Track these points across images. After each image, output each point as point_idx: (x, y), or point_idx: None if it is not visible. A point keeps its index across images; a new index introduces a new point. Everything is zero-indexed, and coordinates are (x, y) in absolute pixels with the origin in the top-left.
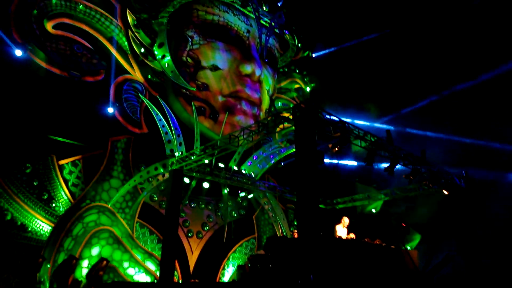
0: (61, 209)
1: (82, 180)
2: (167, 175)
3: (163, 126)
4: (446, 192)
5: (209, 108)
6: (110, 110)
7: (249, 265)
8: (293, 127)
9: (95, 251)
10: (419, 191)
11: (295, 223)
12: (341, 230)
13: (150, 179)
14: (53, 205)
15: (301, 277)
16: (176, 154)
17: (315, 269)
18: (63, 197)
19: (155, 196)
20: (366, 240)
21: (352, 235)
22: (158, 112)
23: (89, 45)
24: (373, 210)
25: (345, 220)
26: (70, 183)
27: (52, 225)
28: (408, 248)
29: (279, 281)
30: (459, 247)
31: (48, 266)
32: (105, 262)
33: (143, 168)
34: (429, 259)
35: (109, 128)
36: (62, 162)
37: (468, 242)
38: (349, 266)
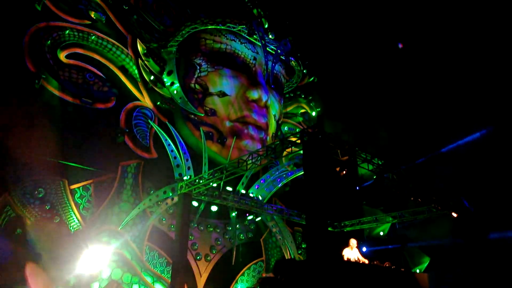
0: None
1: (93, 204)
2: (176, 198)
3: (172, 151)
4: (455, 215)
5: (216, 132)
6: (121, 136)
7: (258, 287)
8: (301, 151)
9: (105, 273)
10: (427, 214)
11: (303, 245)
12: (349, 253)
13: (159, 202)
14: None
15: None
16: (185, 178)
17: None
18: (74, 221)
19: (164, 219)
20: (375, 262)
21: (364, 259)
22: (167, 137)
23: (100, 73)
24: (381, 233)
25: (353, 242)
26: (81, 207)
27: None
28: (417, 271)
29: None
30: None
31: None
32: (116, 285)
33: (152, 191)
34: (439, 282)
35: (120, 153)
36: (74, 186)
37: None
38: None
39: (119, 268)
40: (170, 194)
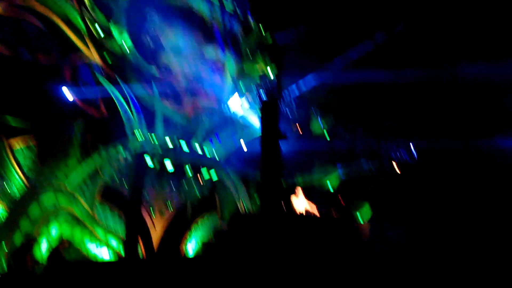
0: (15, 191)
1: (38, 163)
2: (129, 157)
3: (123, 108)
4: (397, 170)
5: (171, 90)
6: (66, 92)
7: (213, 240)
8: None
9: (53, 230)
10: (374, 168)
11: (257, 200)
12: (298, 202)
13: (110, 160)
14: (6, 187)
15: (264, 250)
16: (138, 135)
17: (277, 242)
18: (16, 179)
19: (116, 176)
20: (323, 212)
21: (312, 209)
22: (118, 93)
23: (42, 26)
24: (330, 186)
25: (299, 191)
26: (24, 167)
27: (6, 207)
28: (361, 221)
29: (243, 255)
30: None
31: (5, 247)
32: (65, 240)
33: (102, 149)
34: (380, 231)
35: (66, 109)
36: (14, 142)
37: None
38: (307, 238)
39: (68, 224)
40: (122, 152)
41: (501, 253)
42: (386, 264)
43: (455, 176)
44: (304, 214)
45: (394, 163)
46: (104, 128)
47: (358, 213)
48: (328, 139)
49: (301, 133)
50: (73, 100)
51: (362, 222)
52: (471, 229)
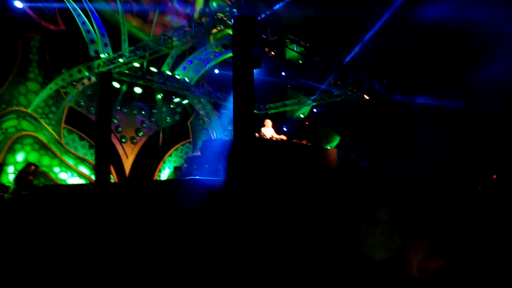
0: None
1: None
2: (93, 78)
3: (84, 23)
4: (366, 97)
5: (137, 4)
6: (18, 3)
7: (185, 165)
8: (230, 31)
9: (20, 157)
10: (344, 97)
11: (229, 127)
12: (267, 131)
13: (74, 82)
14: None
15: (235, 173)
16: (102, 56)
17: (248, 166)
18: None
19: (82, 101)
20: (294, 140)
21: (283, 137)
22: (75, 6)
23: None
24: (301, 115)
25: (268, 122)
26: None
27: None
28: (328, 147)
29: (213, 179)
30: (373, 148)
31: None
32: (33, 167)
33: (64, 70)
34: (345, 156)
35: (19, 23)
36: None
37: (381, 145)
38: (280, 163)
39: (35, 151)
40: (86, 74)
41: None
42: (352, 185)
43: (422, 109)
44: (278, 140)
45: (364, 93)
46: (65, 46)
47: (327, 140)
48: (302, 65)
49: (273, 56)
50: (26, 12)
51: (329, 148)
52: (438, 155)
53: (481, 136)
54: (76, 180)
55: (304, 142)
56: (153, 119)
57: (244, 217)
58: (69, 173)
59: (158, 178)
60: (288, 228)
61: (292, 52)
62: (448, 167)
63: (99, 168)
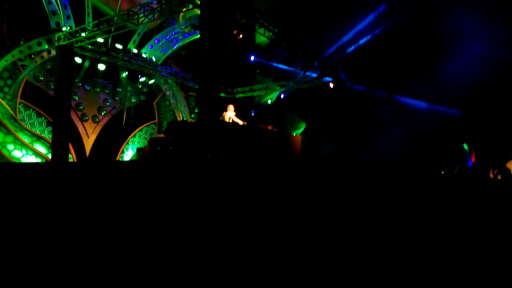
0: None
1: None
2: (53, 52)
3: None
4: (331, 85)
5: None
6: None
7: (148, 147)
8: (199, 11)
9: None
10: (311, 84)
11: (196, 110)
12: (228, 116)
13: (32, 55)
14: None
15: (199, 157)
16: (64, 28)
17: (212, 150)
18: None
19: (40, 75)
20: (261, 126)
21: (240, 121)
22: None
23: None
24: (269, 101)
25: (231, 107)
26: None
27: None
28: (294, 134)
29: (177, 162)
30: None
31: None
32: None
33: (22, 42)
34: (310, 143)
35: None
36: None
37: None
38: (244, 148)
39: None
40: (46, 47)
41: None
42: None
43: (384, 100)
44: (243, 125)
45: (329, 81)
46: (24, 16)
47: (293, 126)
48: (270, 50)
49: (242, 39)
50: None
51: (295, 134)
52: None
53: (438, 127)
54: (31, 159)
55: (270, 128)
56: (117, 98)
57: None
58: (24, 151)
59: (121, 159)
60: (243, 216)
61: (262, 37)
62: (408, 156)
63: (56, 147)
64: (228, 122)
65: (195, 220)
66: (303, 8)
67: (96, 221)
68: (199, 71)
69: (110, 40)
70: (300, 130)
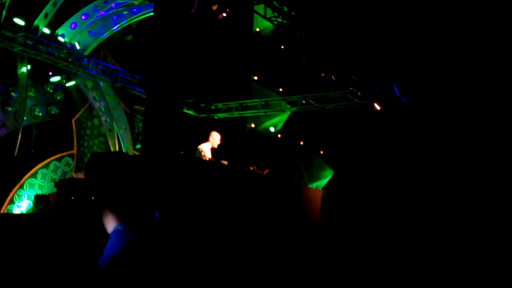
0: None
1: None
2: None
3: None
4: (378, 107)
5: None
6: None
7: (56, 195)
8: None
9: None
10: (341, 102)
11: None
12: (208, 151)
13: None
14: None
15: (142, 215)
16: None
17: (166, 204)
18: None
19: None
20: (251, 168)
21: (224, 162)
22: None
23: None
24: (271, 128)
25: (215, 136)
26: None
27: None
28: (313, 186)
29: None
30: None
31: None
32: None
33: None
34: (338, 202)
35: None
36: None
37: None
38: (218, 204)
39: None
40: None
41: None
42: None
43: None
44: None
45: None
46: None
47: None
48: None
49: (226, 21)
50: None
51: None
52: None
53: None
54: None
55: (266, 172)
56: (9, 109)
57: None
58: None
59: (8, 212)
60: None
61: (264, 21)
62: None
63: None
64: (204, 160)
65: None
66: None
67: None
68: (151, 70)
69: (4, 12)
70: (324, 181)
